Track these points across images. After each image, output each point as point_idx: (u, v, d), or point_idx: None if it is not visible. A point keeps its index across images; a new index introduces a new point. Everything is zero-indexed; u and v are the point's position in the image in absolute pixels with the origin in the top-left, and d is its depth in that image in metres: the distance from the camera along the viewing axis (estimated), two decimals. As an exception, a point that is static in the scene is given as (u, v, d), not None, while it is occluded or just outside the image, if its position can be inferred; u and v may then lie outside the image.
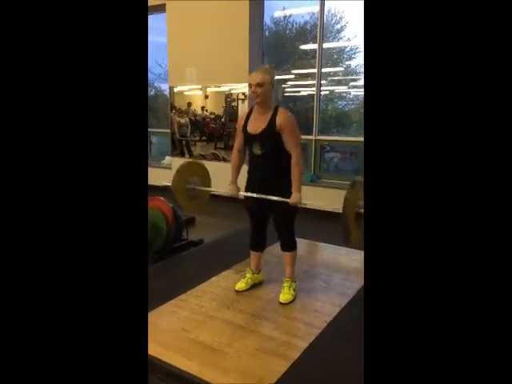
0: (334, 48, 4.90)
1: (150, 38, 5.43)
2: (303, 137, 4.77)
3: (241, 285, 2.36)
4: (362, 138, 3.72)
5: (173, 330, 1.92)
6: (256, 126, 2.12)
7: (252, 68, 4.74)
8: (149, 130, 6.08)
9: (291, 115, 2.10)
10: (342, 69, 4.95)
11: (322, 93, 4.70)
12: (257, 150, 2.13)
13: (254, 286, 2.40)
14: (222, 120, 5.12)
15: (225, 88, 5.01)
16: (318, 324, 1.99)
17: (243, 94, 4.86)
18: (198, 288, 2.38)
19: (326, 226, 3.99)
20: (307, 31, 4.95)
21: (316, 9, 4.52)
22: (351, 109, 5.06)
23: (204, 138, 5.32)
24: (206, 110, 5.24)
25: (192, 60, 5.15)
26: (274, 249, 2.82)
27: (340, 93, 5.06)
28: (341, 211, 1.85)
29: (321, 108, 4.69)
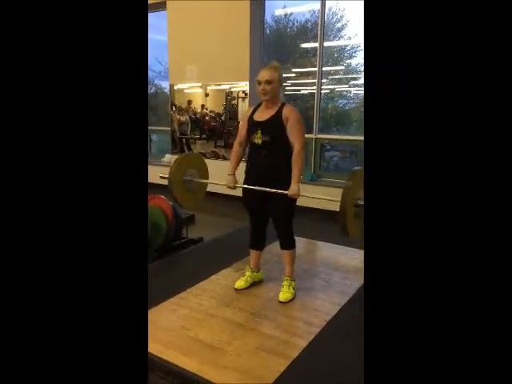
0: (334, 46, 4.89)
1: (151, 35, 5.43)
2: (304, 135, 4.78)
3: (240, 283, 2.36)
4: (362, 137, 3.72)
5: (172, 328, 1.92)
6: (262, 115, 2.16)
7: (252, 66, 4.74)
8: (149, 127, 6.08)
9: (297, 110, 2.14)
10: (342, 67, 4.94)
11: (323, 91, 4.70)
12: (258, 139, 2.13)
13: (254, 284, 2.40)
14: (222, 118, 5.12)
15: (225, 86, 5.00)
16: (318, 323, 1.99)
17: (243, 92, 4.86)
18: (197, 286, 2.39)
19: (326, 225, 4.00)
20: (308, 29, 4.95)
21: (317, 7, 4.52)
22: (351, 107, 5.05)
23: (204, 136, 5.32)
24: (206, 108, 5.24)
25: (192, 58, 5.15)
26: (274, 247, 2.82)
27: (340, 91, 5.06)
28: (339, 205, 1.84)
29: (321, 107, 4.69)
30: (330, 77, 4.86)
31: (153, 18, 5.53)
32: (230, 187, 2.28)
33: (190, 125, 5.41)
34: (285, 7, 5.05)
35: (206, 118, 5.25)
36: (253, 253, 2.41)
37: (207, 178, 2.51)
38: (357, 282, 2.47)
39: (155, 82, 6.48)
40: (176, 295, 2.25)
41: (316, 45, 4.55)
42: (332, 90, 5.01)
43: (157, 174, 5.64)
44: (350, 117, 5.15)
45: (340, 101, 5.15)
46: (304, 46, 5.03)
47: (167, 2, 5.24)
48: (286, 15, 5.13)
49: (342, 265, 2.78)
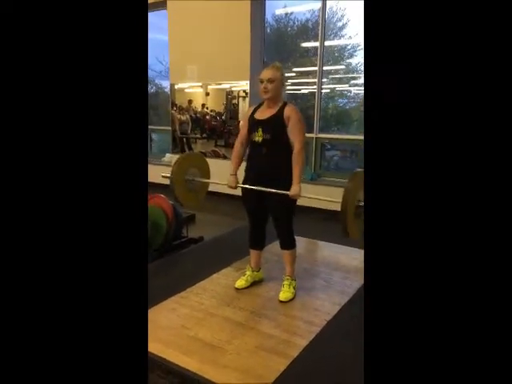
0: (335, 46, 4.89)
1: (151, 35, 5.43)
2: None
3: (241, 282, 2.36)
4: (362, 137, 3.73)
5: (172, 327, 1.92)
6: (263, 114, 2.16)
7: (253, 65, 4.73)
8: (149, 127, 6.08)
9: (298, 110, 2.14)
10: (343, 67, 4.94)
11: (323, 91, 4.69)
12: (259, 137, 2.13)
13: (254, 283, 2.40)
14: (223, 117, 5.12)
15: (226, 85, 5.00)
16: (318, 322, 1.99)
17: (244, 91, 4.86)
18: (197, 285, 2.39)
19: (327, 224, 3.99)
20: (308, 29, 4.94)
21: (317, 6, 4.51)
22: (352, 107, 5.05)
23: (204, 135, 5.32)
24: (207, 108, 5.23)
25: (193, 57, 5.14)
26: (274, 247, 2.82)
27: (341, 91, 5.06)
28: (340, 206, 1.85)
29: (322, 106, 4.69)
30: (331, 76, 4.85)
31: (153, 17, 5.53)
32: (231, 187, 2.28)
33: (190, 124, 5.41)
34: (285, 6, 5.05)
35: (207, 117, 5.25)
36: (253, 252, 2.41)
37: (209, 178, 2.51)
38: (357, 281, 2.47)
39: (156, 81, 6.48)
40: (176, 294, 2.25)
41: (316, 44, 4.55)
42: (332, 90, 5.01)
43: (157, 173, 5.63)
44: (350, 116, 5.15)
45: (340, 100, 5.15)
46: (304, 45, 5.03)
47: (168, 2, 5.24)
48: (286, 14, 5.13)
49: (343, 265, 2.78)
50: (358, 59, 4.71)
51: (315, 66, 4.60)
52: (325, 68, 4.62)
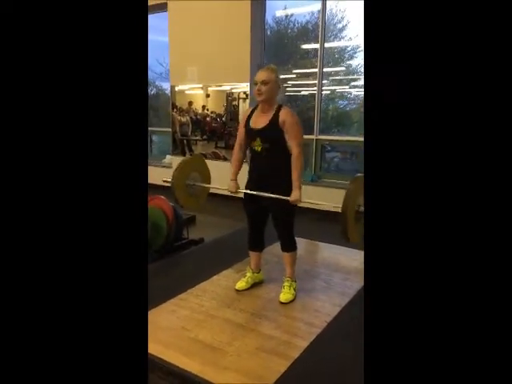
0: (335, 47, 4.90)
1: (152, 37, 5.44)
2: (304, 136, 4.76)
3: (241, 284, 2.36)
4: (362, 138, 3.73)
5: (173, 328, 1.92)
6: (259, 121, 2.14)
7: (253, 67, 4.74)
8: (150, 128, 6.09)
9: (294, 113, 2.11)
10: (343, 68, 4.95)
11: (323, 92, 4.70)
12: (258, 146, 2.13)
13: (255, 285, 2.40)
14: (223, 119, 5.12)
15: (226, 87, 5.01)
16: (319, 323, 1.99)
17: (244, 93, 4.86)
18: (198, 287, 2.39)
19: (327, 225, 3.99)
20: (309, 31, 4.95)
21: (317, 8, 4.52)
22: (352, 108, 5.05)
23: (205, 136, 5.32)
24: (207, 109, 5.24)
25: (193, 59, 5.15)
26: (275, 248, 2.82)
27: (341, 92, 5.06)
28: (340, 210, 1.85)
29: (322, 107, 4.69)
30: (331, 78, 4.86)
31: (154, 19, 5.54)
32: (231, 192, 2.29)
33: (190, 126, 5.42)
34: (285, 8, 5.06)
35: (207, 118, 5.25)
36: (252, 254, 2.41)
37: (209, 181, 2.51)
38: (357, 283, 2.46)
39: (156, 83, 6.49)
40: (176, 296, 2.25)
41: (317, 46, 4.56)
42: (333, 91, 5.01)
43: (158, 174, 5.64)
44: (350, 118, 5.15)
45: (341, 102, 5.16)
46: (305, 46, 5.03)
47: (168, 4, 5.25)
48: (286, 16, 5.14)
49: (343, 266, 2.77)
50: (358, 61, 4.72)
51: (315, 67, 4.60)
52: (325, 70, 4.62)
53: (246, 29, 4.65)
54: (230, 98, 5.01)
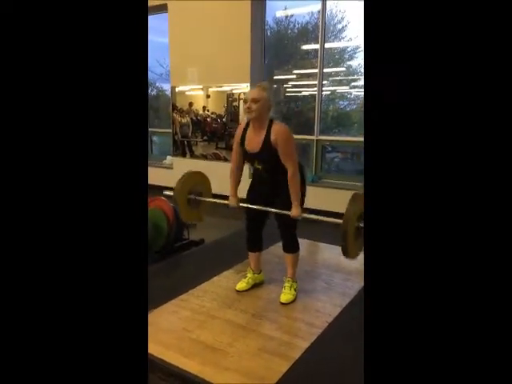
0: (335, 48, 4.90)
1: (152, 38, 5.44)
2: (305, 137, 4.78)
3: (241, 285, 2.36)
4: (362, 138, 3.73)
5: (174, 329, 1.92)
6: (253, 144, 2.12)
7: (253, 68, 4.74)
8: (151, 129, 6.10)
9: (285, 128, 2.07)
10: (343, 69, 4.94)
11: (324, 93, 4.70)
12: (258, 166, 2.18)
13: (255, 285, 2.40)
14: (224, 120, 5.12)
15: (226, 88, 5.01)
16: (319, 324, 1.99)
17: (245, 93, 4.86)
18: (199, 288, 2.39)
19: (328, 226, 3.98)
20: (309, 31, 4.95)
21: (317, 8, 4.52)
22: (352, 109, 5.05)
23: (205, 137, 5.32)
24: (208, 110, 5.24)
25: (193, 60, 5.15)
26: (276, 249, 2.82)
27: (341, 93, 5.06)
28: (340, 228, 1.87)
29: (322, 108, 4.69)
30: (331, 78, 4.86)
31: (154, 20, 5.54)
32: (233, 207, 2.31)
33: (191, 127, 5.42)
34: (286, 9, 5.06)
35: (208, 119, 5.26)
36: (251, 255, 2.41)
37: (210, 195, 2.53)
38: (358, 283, 2.46)
39: (157, 84, 6.48)
40: (177, 297, 2.25)
41: (317, 46, 4.56)
42: (333, 92, 5.01)
43: (159, 175, 5.63)
44: (350, 118, 5.15)
45: (341, 102, 5.15)
46: (305, 47, 5.03)
47: (168, 5, 5.25)
48: (286, 17, 5.14)
49: (343, 266, 2.77)
50: (359, 61, 4.71)
51: (316, 68, 4.60)
52: (325, 70, 4.62)
53: (246, 29, 4.65)
54: (231, 99, 5.01)
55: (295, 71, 5.08)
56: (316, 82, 4.61)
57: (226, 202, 2.34)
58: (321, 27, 4.46)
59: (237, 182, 2.32)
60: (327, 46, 4.58)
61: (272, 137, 2.04)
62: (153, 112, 6.40)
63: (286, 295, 2.23)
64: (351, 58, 4.86)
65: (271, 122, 2.08)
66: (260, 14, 4.76)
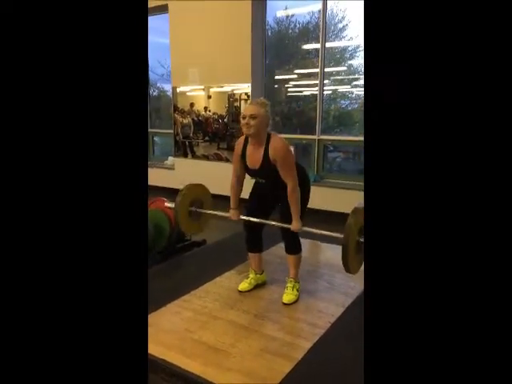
0: (336, 47, 4.89)
1: (153, 38, 5.45)
2: (306, 137, 4.78)
3: (244, 285, 2.36)
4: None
5: (176, 330, 1.92)
6: (253, 160, 2.13)
7: (254, 68, 4.74)
8: (152, 130, 6.11)
9: (283, 143, 2.06)
10: (344, 68, 4.94)
11: (325, 92, 4.69)
12: (259, 180, 2.20)
13: (257, 286, 2.40)
14: (225, 120, 5.12)
15: (227, 88, 5.01)
16: (322, 324, 1.99)
17: (246, 94, 4.86)
18: (201, 288, 2.38)
19: (330, 226, 3.97)
20: (310, 31, 4.94)
21: (318, 8, 4.52)
22: (354, 108, 5.04)
23: (207, 138, 5.33)
24: (209, 111, 5.24)
25: (194, 60, 5.16)
26: (277, 249, 2.82)
27: (343, 92, 5.05)
28: (342, 243, 1.86)
29: (323, 107, 4.68)
30: (332, 78, 4.85)
31: (155, 20, 5.54)
32: (234, 220, 2.32)
33: (192, 127, 5.42)
34: (286, 8, 5.05)
35: (209, 120, 5.26)
36: (251, 256, 2.41)
37: (211, 206, 2.55)
38: (360, 283, 2.45)
39: (158, 84, 6.49)
40: (180, 298, 2.25)
41: (318, 46, 4.55)
42: (334, 91, 5.00)
43: (160, 176, 5.63)
44: (352, 117, 5.14)
45: (342, 102, 5.15)
46: (306, 47, 5.03)
47: (169, 5, 5.25)
48: (287, 17, 5.13)
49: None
50: (360, 60, 4.71)
51: (317, 67, 4.59)
52: (326, 70, 4.61)
53: (246, 29, 4.65)
54: (232, 99, 5.01)
55: (296, 71, 5.08)
56: (317, 82, 4.61)
57: (226, 214, 2.35)
58: (322, 26, 4.46)
59: (237, 195, 2.34)
60: (328, 45, 4.58)
61: (270, 153, 2.04)
62: (154, 113, 6.40)
63: (288, 295, 2.23)
64: (352, 57, 4.85)
65: (269, 136, 2.07)
66: (261, 14, 4.76)
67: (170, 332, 1.90)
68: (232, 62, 4.82)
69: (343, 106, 5.17)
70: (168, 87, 5.90)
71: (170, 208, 2.45)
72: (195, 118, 5.37)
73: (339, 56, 4.93)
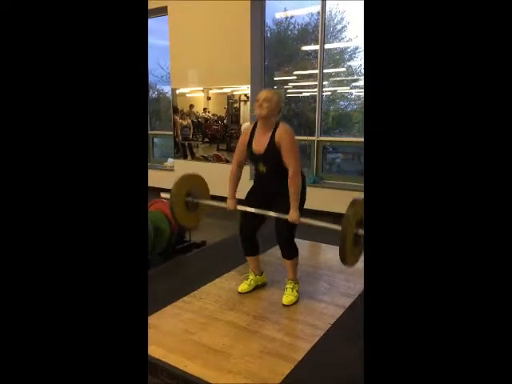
0: (335, 49, 4.90)
1: (153, 40, 5.46)
2: (306, 138, 4.78)
3: (243, 286, 2.36)
4: (363, 139, 3.71)
5: (176, 331, 1.92)
6: (260, 144, 2.15)
7: (254, 69, 4.75)
8: (152, 132, 6.11)
9: (289, 129, 2.12)
10: (343, 69, 4.94)
11: (324, 93, 4.70)
12: (261, 168, 2.19)
13: (257, 287, 2.40)
14: (225, 121, 5.13)
15: (227, 90, 5.02)
16: (322, 325, 1.99)
17: (245, 95, 4.87)
18: (201, 290, 2.38)
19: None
20: (309, 32, 4.95)
21: (316, 10, 4.53)
22: (353, 109, 5.05)
23: (206, 139, 5.33)
24: (209, 112, 5.25)
25: (194, 62, 5.16)
26: (276, 251, 2.81)
27: (342, 93, 5.06)
28: (339, 235, 1.86)
29: (323, 109, 4.69)
30: (332, 79, 4.86)
31: (155, 22, 5.55)
32: (230, 210, 2.30)
33: (192, 129, 5.43)
34: (285, 10, 5.06)
35: (208, 121, 5.26)
36: (249, 259, 2.41)
37: (208, 197, 2.49)
38: (360, 284, 2.45)
39: (157, 86, 6.50)
40: (180, 299, 2.25)
41: (317, 47, 4.56)
42: (333, 92, 5.01)
43: (160, 178, 5.62)
44: (351, 118, 5.15)
45: (342, 103, 5.15)
46: (305, 48, 5.04)
47: (168, 7, 5.26)
48: (286, 18, 5.14)
49: (345, 267, 2.76)
50: (358, 62, 4.72)
51: (316, 69, 4.60)
52: (325, 71, 4.62)
53: (246, 31, 4.66)
54: (231, 101, 5.02)
55: (295, 72, 5.08)
56: (316, 83, 4.62)
57: (223, 204, 2.32)
58: (320, 28, 4.47)
59: (235, 183, 2.33)
60: (327, 46, 4.59)
61: (277, 136, 2.08)
62: (154, 114, 6.41)
63: (288, 297, 2.23)
64: (351, 58, 4.86)
65: (278, 123, 2.13)
66: (260, 16, 4.77)
67: (169, 333, 1.90)
68: (231, 64, 4.83)
69: (342, 106, 5.17)
70: (167, 89, 5.91)
71: (165, 199, 2.36)
72: (195, 120, 5.37)
73: (338, 57, 4.94)
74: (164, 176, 5.63)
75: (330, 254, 3.10)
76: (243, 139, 2.24)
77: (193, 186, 2.41)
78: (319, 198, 4.24)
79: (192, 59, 5.17)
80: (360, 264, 2.76)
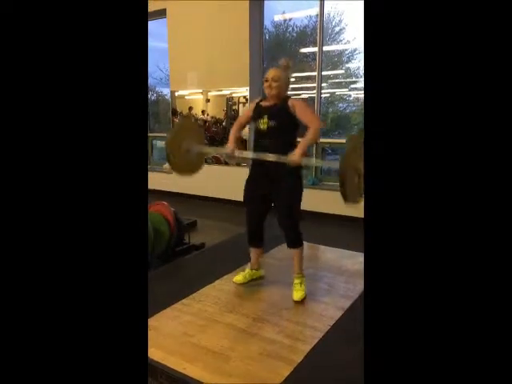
0: (333, 51, 4.91)
1: (152, 43, 5.47)
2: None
3: (239, 277, 2.38)
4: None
5: (175, 334, 1.91)
6: (269, 102, 2.18)
7: (252, 71, 4.76)
8: (151, 134, 6.11)
9: (302, 101, 2.21)
10: (342, 71, 4.96)
11: (323, 95, 4.71)
12: (263, 124, 2.13)
13: (257, 288, 2.40)
14: (223, 124, 5.13)
15: (226, 92, 5.02)
16: (322, 327, 1.98)
17: (244, 97, 4.87)
18: (200, 292, 2.38)
19: (329, 229, 3.98)
20: (307, 34, 4.97)
21: (315, 12, 4.54)
22: (352, 111, 5.06)
23: (205, 141, 5.32)
24: (207, 114, 5.25)
25: (193, 64, 5.17)
26: (277, 252, 2.82)
27: (341, 95, 5.07)
28: (339, 169, 1.77)
29: (322, 110, 4.70)
30: (330, 81, 4.87)
31: (154, 25, 5.57)
32: (229, 155, 2.25)
33: (191, 131, 5.42)
34: (284, 13, 5.08)
35: (207, 123, 5.26)
36: (253, 250, 2.41)
37: (203, 144, 2.42)
38: (360, 285, 2.45)
39: (157, 88, 6.51)
40: (179, 301, 2.24)
41: (315, 49, 4.57)
42: (332, 94, 5.02)
43: (159, 180, 5.63)
44: (350, 120, 5.16)
45: (340, 105, 5.16)
46: (303, 50, 5.05)
47: (167, 10, 5.28)
48: (285, 20, 5.16)
49: (345, 269, 2.76)
50: (357, 63, 4.73)
51: (314, 71, 4.61)
52: (324, 73, 4.63)
53: (244, 33, 4.67)
54: (230, 103, 5.02)
55: (294, 74, 5.08)
56: (315, 85, 4.63)
57: (223, 150, 2.27)
58: (319, 30, 4.48)
59: (238, 130, 2.32)
60: (325, 48, 4.60)
61: (290, 104, 2.11)
62: (153, 117, 6.42)
63: (298, 292, 2.22)
64: (349, 60, 4.88)
65: (287, 97, 2.15)
66: (258, 18, 4.78)
67: (169, 336, 1.89)
68: (230, 66, 4.84)
69: (341, 108, 5.18)
70: (166, 91, 5.92)
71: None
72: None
73: (337, 59, 4.95)
74: (163, 178, 5.62)
75: (330, 255, 3.10)
76: (251, 106, 2.28)
77: (189, 132, 2.33)
78: (318, 200, 4.24)
79: (191, 62, 5.18)
80: (359, 266, 2.77)
